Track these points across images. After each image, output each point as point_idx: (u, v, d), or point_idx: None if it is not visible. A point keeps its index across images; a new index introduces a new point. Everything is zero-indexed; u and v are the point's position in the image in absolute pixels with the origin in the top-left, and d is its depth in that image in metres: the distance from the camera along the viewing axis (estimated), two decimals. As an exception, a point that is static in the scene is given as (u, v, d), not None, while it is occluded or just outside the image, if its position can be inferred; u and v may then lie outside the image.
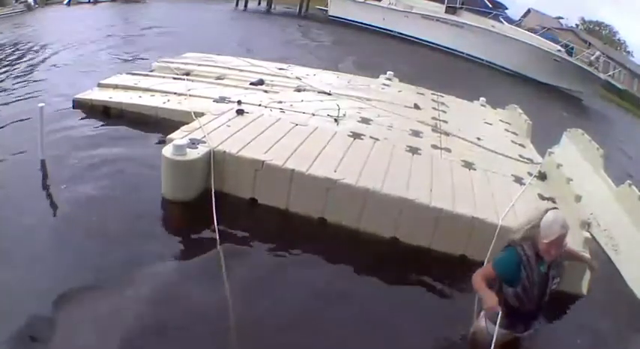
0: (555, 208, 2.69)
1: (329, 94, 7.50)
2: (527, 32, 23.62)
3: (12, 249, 3.48)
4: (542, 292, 2.68)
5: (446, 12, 24.13)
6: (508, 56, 21.88)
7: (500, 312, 2.51)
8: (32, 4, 16.70)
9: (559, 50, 21.84)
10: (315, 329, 3.21)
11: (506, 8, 26.43)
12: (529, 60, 21.41)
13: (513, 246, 2.69)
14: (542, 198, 5.04)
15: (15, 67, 8.92)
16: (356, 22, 25.96)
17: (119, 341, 2.82)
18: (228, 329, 2.82)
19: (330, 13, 27.24)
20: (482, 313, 2.93)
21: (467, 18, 23.63)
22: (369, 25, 25.51)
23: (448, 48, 23.51)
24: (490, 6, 24.29)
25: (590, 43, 31.16)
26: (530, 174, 5.73)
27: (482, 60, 22.55)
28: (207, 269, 3.48)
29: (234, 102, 6.14)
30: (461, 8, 24.29)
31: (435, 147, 5.93)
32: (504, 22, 23.77)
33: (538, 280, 2.63)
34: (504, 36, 22.20)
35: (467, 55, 22.99)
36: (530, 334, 2.87)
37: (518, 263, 2.62)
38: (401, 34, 24.71)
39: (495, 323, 2.57)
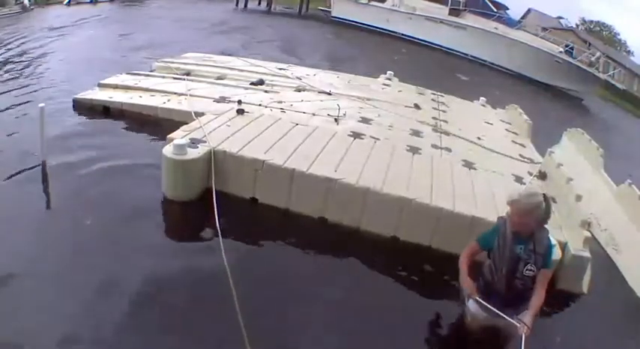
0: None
1: (329, 94, 7.50)
2: (529, 34, 23.77)
3: (10, 248, 3.48)
4: (512, 272, 2.79)
5: (449, 14, 24.29)
6: (511, 58, 22.05)
7: (470, 298, 2.85)
8: (27, 4, 16.63)
9: (560, 51, 22.01)
10: (316, 328, 3.21)
11: (508, 9, 26.54)
12: (531, 61, 21.63)
13: (499, 220, 2.99)
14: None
15: (14, 67, 8.91)
16: (359, 23, 26.08)
17: (120, 340, 2.83)
18: (231, 329, 2.82)
19: (334, 13, 27.44)
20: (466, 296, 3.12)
21: (470, 20, 23.76)
22: (373, 26, 25.62)
23: (452, 49, 23.65)
24: (493, 8, 24.39)
25: (590, 43, 31.19)
26: (530, 173, 5.74)
27: (486, 61, 22.70)
28: (210, 269, 3.48)
29: (234, 102, 6.14)
30: (464, 10, 24.42)
31: (435, 146, 5.94)
32: (507, 23, 23.90)
33: (509, 256, 2.78)
34: (507, 38, 22.37)
35: (471, 56, 23.16)
36: (511, 326, 2.81)
37: (495, 231, 2.90)
38: (404, 35, 24.85)
39: (470, 301, 3.00)
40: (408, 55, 20.07)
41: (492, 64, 22.62)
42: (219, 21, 19.86)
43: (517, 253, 2.77)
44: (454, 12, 24.40)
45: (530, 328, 2.64)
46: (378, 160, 4.96)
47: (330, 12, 27.94)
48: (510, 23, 24.53)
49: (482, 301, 2.87)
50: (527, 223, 2.73)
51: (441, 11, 24.49)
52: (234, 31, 17.83)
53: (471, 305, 3.07)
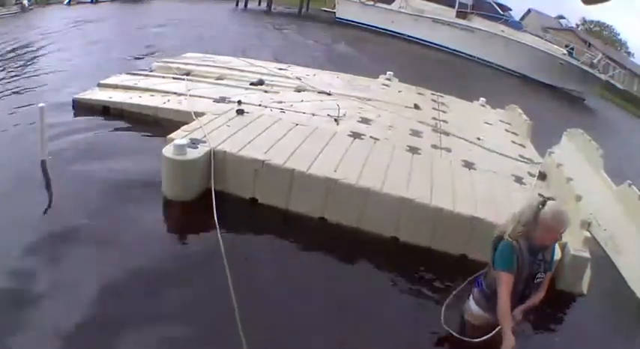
0: (549, 199, 2.69)
1: (329, 94, 7.50)
2: (533, 36, 23.97)
3: (10, 248, 3.48)
4: (526, 286, 2.76)
5: (457, 16, 24.40)
6: (516, 59, 22.22)
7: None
8: (26, 4, 16.60)
9: (564, 53, 22.24)
10: (316, 328, 3.22)
11: (511, 10, 26.62)
12: (535, 63, 21.85)
13: (507, 240, 2.71)
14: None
15: (14, 67, 8.91)
16: (364, 24, 26.13)
17: (116, 337, 2.83)
18: (230, 328, 2.82)
19: (338, 15, 27.52)
20: (470, 296, 3.06)
21: (477, 22, 23.90)
22: (378, 28, 25.67)
23: (458, 51, 23.77)
24: (499, 11, 24.51)
25: (589, 43, 31.26)
26: (530, 173, 5.74)
27: (491, 63, 22.86)
28: (209, 268, 3.48)
29: (234, 102, 6.14)
30: (471, 13, 24.53)
31: (435, 147, 5.94)
32: (512, 26, 24.08)
33: (525, 275, 2.71)
34: (514, 40, 22.57)
35: (477, 58, 23.32)
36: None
37: (512, 252, 2.68)
38: (410, 36, 24.94)
39: (479, 305, 2.94)
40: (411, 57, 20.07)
41: (495, 64, 22.78)
42: (220, 21, 19.87)
43: (529, 271, 2.72)
44: (461, 14, 24.53)
45: (517, 322, 2.67)
46: (378, 160, 4.95)
47: (334, 13, 27.99)
48: (514, 25, 24.66)
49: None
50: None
51: (448, 13, 24.60)
52: (234, 31, 17.83)
53: (471, 304, 3.07)
